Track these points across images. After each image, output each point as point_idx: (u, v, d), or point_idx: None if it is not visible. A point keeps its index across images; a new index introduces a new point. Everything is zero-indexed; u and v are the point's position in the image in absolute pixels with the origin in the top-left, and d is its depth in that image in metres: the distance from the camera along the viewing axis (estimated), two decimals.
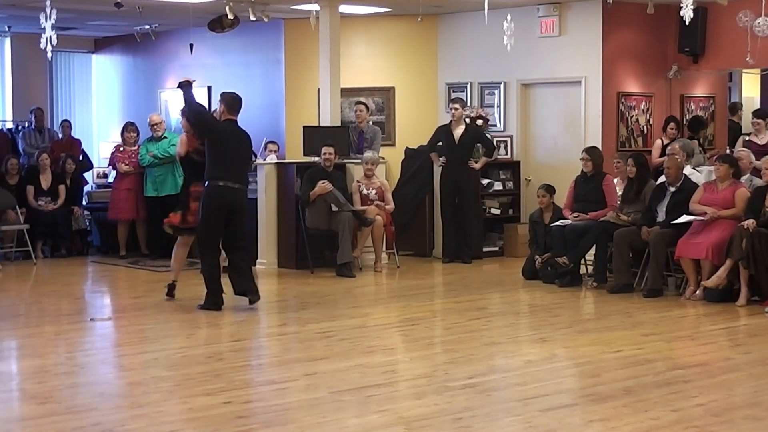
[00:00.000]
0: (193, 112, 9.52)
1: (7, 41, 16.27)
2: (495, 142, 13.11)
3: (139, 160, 13.03)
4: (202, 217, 9.29)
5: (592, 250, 10.72)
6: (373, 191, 12.10)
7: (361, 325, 8.87)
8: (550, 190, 11.41)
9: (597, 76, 12.83)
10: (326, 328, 8.57)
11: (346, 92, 13.27)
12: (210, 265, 9.33)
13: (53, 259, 13.31)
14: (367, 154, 12.30)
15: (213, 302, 9.31)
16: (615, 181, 11.15)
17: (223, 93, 9.74)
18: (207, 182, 9.22)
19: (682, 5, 8.60)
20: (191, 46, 13.20)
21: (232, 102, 9.51)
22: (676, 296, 10.12)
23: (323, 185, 11.58)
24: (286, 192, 12.16)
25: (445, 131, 12.76)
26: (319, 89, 13.10)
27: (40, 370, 7.12)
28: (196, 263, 12.36)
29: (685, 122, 13.32)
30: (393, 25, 14.29)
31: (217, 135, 9.32)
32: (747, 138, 12.08)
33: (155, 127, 13.03)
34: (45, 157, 13.53)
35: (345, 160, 12.42)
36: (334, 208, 11.62)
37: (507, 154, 13.56)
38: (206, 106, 15.02)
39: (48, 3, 9.11)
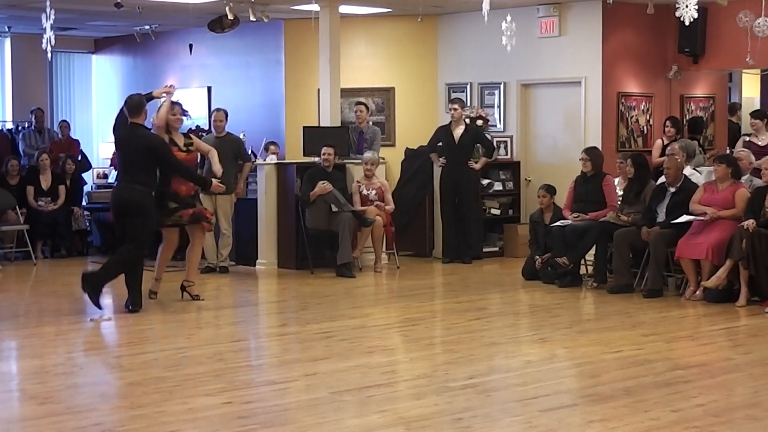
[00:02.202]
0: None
1: (7, 42, 16.28)
2: (495, 143, 13.12)
3: None
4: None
5: (592, 251, 10.72)
6: (373, 191, 12.10)
7: (361, 325, 8.87)
8: (550, 190, 11.40)
9: (597, 77, 12.84)
10: (326, 328, 8.57)
11: (346, 92, 13.27)
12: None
13: (53, 260, 13.31)
14: (367, 154, 12.30)
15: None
16: (617, 181, 11.15)
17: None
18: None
19: (679, 6, 8.58)
20: (191, 46, 13.22)
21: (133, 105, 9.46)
22: (676, 296, 10.12)
23: (323, 185, 11.58)
24: (286, 192, 12.16)
25: (445, 131, 12.76)
26: (319, 89, 13.10)
27: (40, 371, 7.13)
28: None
29: (684, 122, 13.32)
30: (393, 25, 14.30)
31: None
32: (747, 139, 12.07)
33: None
34: (45, 157, 13.53)
35: (345, 161, 12.42)
36: (334, 209, 11.62)
37: (507, 154, 13.56)
38: (208, 106, 15.08)
39: (48, 3, 9.12)
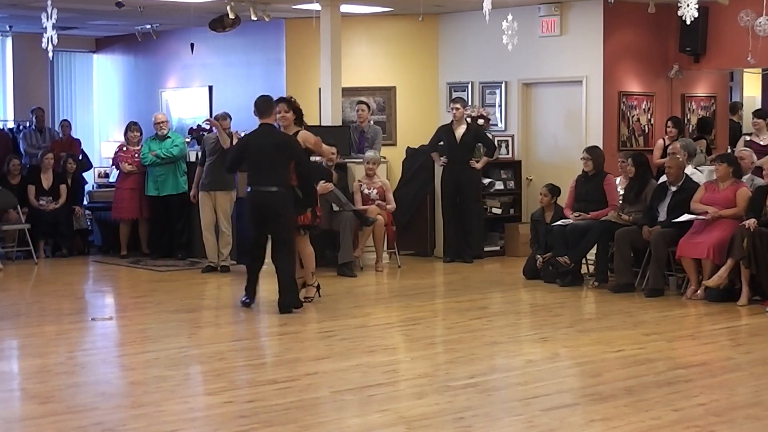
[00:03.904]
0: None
1: (9, 41, 16.28)
2: (496, 142, 13.11)
3: (141, 158, 13.03)
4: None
5: (594, 250, 10.72)
6: (375, 191, 12.10)
7: (363, 324, 8.87)
8: (553, 191, 11.39)
9: (598, 76, 12.83)
10: (327, 327, 8.57)
11: (347, 92, 13.27)
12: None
13: (54, 259, 13.31)
14: (369, 153, 12.30)
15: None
16: (618, 180, 11.15)
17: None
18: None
19: (680, 5, 8.58)
20: (192, 45, 13.21)
21: (260, 105, 9.48)
22: (677, 296, 10.12)
23: (324, 185, 11.56)
24: None
25: (446, 131, 12.76)
26: (320, 89, 13.10)
27: (41, 370, 7.13)
28: (198, 262, 12.43)
29: (686, 122, 13.33)
30: (394, 24, 14.29)
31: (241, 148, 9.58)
32: (748, 138, 12.07)
33: (160, 125, 13.00)
34: (50, 156, 13.51)
35: (346, 160, 12.42)
36: (336, 208, 11.62)
37: (508, 153, 13.56)
38: (209, 106, 15.08)
39: (49, 3, 9.11)
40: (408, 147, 13.63)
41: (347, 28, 13.29)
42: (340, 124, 12.87)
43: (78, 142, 14.93)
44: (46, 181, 13.43)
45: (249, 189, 9.30)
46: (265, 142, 9.24)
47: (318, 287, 9.76)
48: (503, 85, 13.71)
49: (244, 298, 9.45)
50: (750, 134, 12.23)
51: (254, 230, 9.39)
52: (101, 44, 17.16)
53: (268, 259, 12.15)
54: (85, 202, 14.21)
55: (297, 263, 9.53)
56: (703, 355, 7.68)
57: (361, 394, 6.37)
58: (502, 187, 13.41)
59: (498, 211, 13.33)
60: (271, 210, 9.15)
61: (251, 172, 9.31)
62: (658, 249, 10.04)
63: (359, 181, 12.17)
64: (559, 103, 13.34)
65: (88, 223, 13.99)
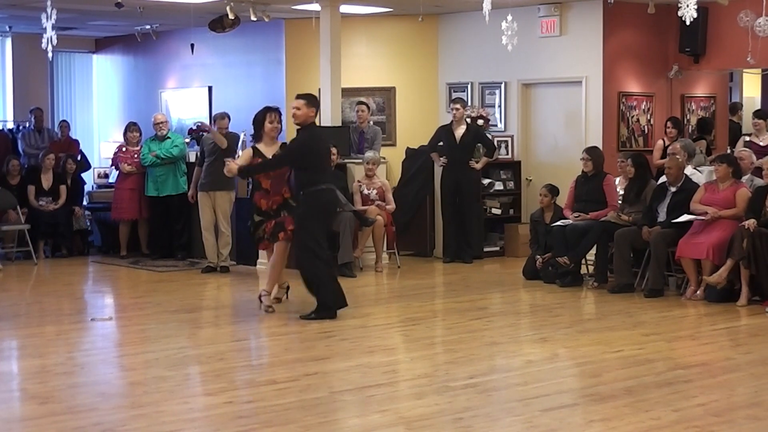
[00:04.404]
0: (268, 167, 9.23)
1: (8, 41, 16.27)
2: (496, 142, 13.12)
3: (141, 159, 13.04)
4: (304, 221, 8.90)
5: (593, 250, 10.72)
6: (374, 191, 12.10)
7: (362, 325, 8.86)
8: (553, 191, 11.41)
9: (598, 76, 12.83)
10: (327, 327, 8.57)
11: (347, 92, 13.27)
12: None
13: (54, 259, 13.31)
14: (368, 154, 12.30)
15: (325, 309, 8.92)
16: (618, 180, 11.16)
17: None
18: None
19: (680, 5, 8.58)
20: (192, 46, 13.20)
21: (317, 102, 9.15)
22: (676, 296, 10.12)
23: None
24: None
25: (446, 131, 12.76)
26: (319, 89, 13.08)
27: (40, 370, 7.13)
28: (198, 263, 12.43)
29: (686, 123, 13.33)
30: (394, 25, 14.29)
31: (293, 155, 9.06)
32: (747, 139, 12.07)
33: (159, 126, 13.01)
34: (51, 157, 13.51)
35: (346, 160, 12.42)
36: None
37: (508, 154, 13.56)
38: (209, 106, 15.06)
39: (49, 3, 9.11)
40: (408, 147, 13.63)
41: (347, 28, 13.29)
42: (340, 124, 12.86)
43: (77, 142, 14.94)
44: (46, 181, 13.43)
45: (307, 190, 8.79)
46: (326, 143, 9.12)
47: (287, 289, 9.72)
48: (503, 86, 13.71)
49: (327, 312, 8.85)
50: (750, 135, 12.24)
51: (327, 228, 8.99)
52: (101, 45, 17.16)
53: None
54: (84, 203, 14.22)
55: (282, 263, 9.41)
56: (702, 356, 7.69)
57: (361, 395, 6.38)
58: (501, 187, 13.42)
59: (498, 211, 13.33)
60: (337, 207, 9.18)
61: (316, 171, 8.82)
62: (657, 249, 10.04)
63: (359, 181, 12.17)
64: (559, 103, 13.35)
65: (88, 224, 14.00)
